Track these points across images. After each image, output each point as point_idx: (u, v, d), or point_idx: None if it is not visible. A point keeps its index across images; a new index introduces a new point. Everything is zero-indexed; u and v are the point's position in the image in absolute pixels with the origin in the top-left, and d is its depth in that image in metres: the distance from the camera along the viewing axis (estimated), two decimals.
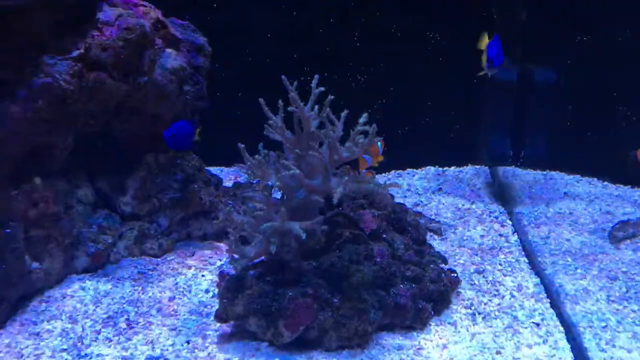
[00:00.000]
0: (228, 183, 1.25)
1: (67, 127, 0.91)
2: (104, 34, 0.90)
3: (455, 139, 1.43)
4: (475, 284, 1.05)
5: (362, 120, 0.92)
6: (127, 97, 0.94)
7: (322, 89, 0.91)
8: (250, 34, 1.64)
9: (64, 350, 0.87)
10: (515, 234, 1.22)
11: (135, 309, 0.91)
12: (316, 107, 0.86)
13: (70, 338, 0.85)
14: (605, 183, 1.42)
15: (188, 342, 0.90)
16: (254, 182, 1.10)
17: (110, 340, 0.89)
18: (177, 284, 0.98)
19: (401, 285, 0.93)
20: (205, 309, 0.92)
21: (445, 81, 1.59)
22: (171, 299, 0.98)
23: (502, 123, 1.41)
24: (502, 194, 1.33)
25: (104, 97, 0.91)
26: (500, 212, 1.26)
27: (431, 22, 1.67)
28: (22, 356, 0.81)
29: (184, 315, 0.95)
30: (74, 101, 0.90)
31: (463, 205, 1.28)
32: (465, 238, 1.15)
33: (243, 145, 0.85)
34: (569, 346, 0.88)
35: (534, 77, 1.47)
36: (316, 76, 0.90)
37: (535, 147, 1.43)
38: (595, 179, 1.42)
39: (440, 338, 0.89)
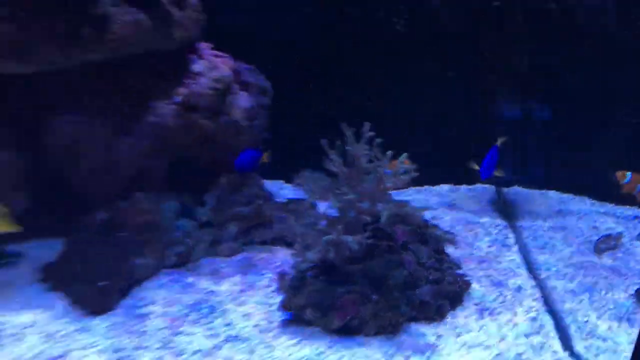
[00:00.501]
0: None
1: (166, 155, 1.11)
2: (197, 82, 1.10)
3: (467, 156, 1.62)
4: (483, 285, 1.24)
5: (402, 158, 1.13)
6: (212, 132, 1.16)
7: (372, 133, 1.09)
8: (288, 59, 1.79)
9: (163, 328, 1.08)
10: (517, 244, 1.43)
11: (214, 298, 1.12)
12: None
13: (166, 319, 1.08)
14: (593, 201, 1.58)
15: (256, 326, 1.10)
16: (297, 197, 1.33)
17: (197, 322, 1.09)
18: (244, 279, 1.20)
19: (425, 286, 1.12)
20: (269, 300, 1.12)
21: (460, 111, 1.67)
22: (241, 291, 1.19)
23: (508, 149, 1.59)
24: (506, 210, 1.49)
25: (196, 133, 1.14)
26: (504, 226, 1.43)
27: (452, 50, 1.85)
28: (131, 332, 0.99)
29: (252, 304, 1.15)
30: (174, 136, 1.11)
31: (473, 219, 1.47)
32: (475, 247, 1.35)
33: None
34: (557, 336, 1.09)
35: (534, 113, 1.66)
36: (367, 123, 1.01)
37: (534, 170, 1.61)
38: (585, 198, 1.58)
39: (455, 328, 1.09)
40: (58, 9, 0.93)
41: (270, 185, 1.45)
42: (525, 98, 1.69)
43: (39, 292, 1.09)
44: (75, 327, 1.00)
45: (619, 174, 1.43)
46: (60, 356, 0.94)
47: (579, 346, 1.07)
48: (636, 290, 1.19)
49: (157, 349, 0.95)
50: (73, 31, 0.90)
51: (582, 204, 1.54)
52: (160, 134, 1.07)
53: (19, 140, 1.05)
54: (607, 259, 1.27)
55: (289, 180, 1.65)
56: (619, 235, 1.35)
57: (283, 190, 1.63)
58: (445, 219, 1.42)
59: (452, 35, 1.68)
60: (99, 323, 1.01)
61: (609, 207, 1.54)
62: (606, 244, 1.28)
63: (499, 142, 1.37)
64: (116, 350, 0.94)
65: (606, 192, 1.57)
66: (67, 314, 1.05)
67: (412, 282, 1.07)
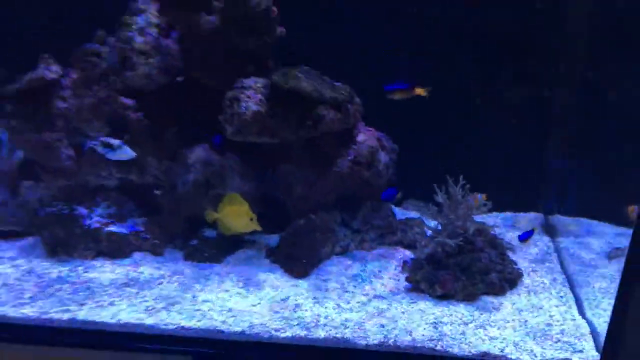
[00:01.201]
0: None
1: (340, 190, 1.74)
2: (360, 147, 1.69)
3: (526, 192, 2.16)
4: (530, 277, 1.79)
5: (482, 202, 1.72)
6: (364, 175, 1.78)
7: (464, 182, 1.67)
8: None
9: (336, 288, 1.68)
10: (556, 253, 1.97)
11: (363, 274, 1.70)
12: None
13: (338, 283, 1.65)
14: (612, 225, 2.04)
15: (390, 291, 1.70)
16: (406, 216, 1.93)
17: (356, 286, 1.65)
18: (380, 264, 1.77)
19: (493, 274, 1.69)
20: (397, 277, 1.68)
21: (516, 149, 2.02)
22: (379, 270, 1.78)
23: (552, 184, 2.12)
24: (549, 230, 2.00)
25: (359, 178, 1.67)
26: (548, 240, 1.94)
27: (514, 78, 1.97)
28: (319, 289, 1.56)
29: (386, 279, 1.72)
30: (346, 180, 1.70)
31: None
32: (526, 254, 1.89)
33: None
34: (576, 307, 1.57)
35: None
36: (462, 181, 1.64)
37: (570, 201, 2.14)
38: (606, 223, 2.04)
39: (511, 299, 1.63)
40: (290, 109, 1.59)
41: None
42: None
43: (267, 263, 1.69)
44: (290, 284, 1.60)
45: (629, 208, 1.94)
46: (285, 299, 1.51)
47: (588, 314, 1.63)
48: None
49: (335, 298, 1.53)
50: (300, 122, 1.54)
51: (604, 227, 2.07)
52: (339, 179, 1.61)
53: (258, 177, 1.72)
54: (614, 263, 1.82)
55: (397, 205, 2.25)
56: (626, 247, 1.88)
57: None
58: (508, 235, 1.99)
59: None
60: (302, 283, 1.60)
61: (624, 229, 2.07)
62: (615, 253, 1.81)
63: None
64: (313, 298, 1.52)
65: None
66: (283, 276, 1.63)
67: (485, 270, 1.62)
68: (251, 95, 1.46)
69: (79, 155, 1.62)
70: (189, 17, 1.45)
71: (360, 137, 1.62)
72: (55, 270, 1.63)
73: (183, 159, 1.58)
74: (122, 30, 1.52)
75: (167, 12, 1.48)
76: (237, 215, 1.51)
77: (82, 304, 1.50)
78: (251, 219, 1.50)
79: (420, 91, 1.62)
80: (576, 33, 1.78)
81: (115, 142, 1.46)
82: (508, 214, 1.94)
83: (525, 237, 1.73)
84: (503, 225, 1.99)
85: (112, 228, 1.65)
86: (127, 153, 1.48)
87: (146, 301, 1.51)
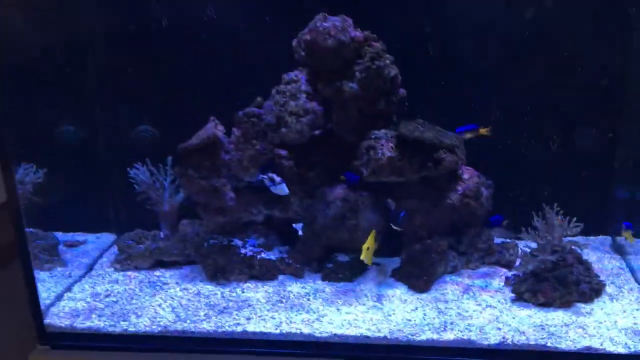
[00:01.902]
0: None
1: (452, 219, 2.08)
2: (467, 183, 1.99)
3: (595, 217, 2.21)
4: (610, 287, 2.06)
5: (574, 224, 2.04)
6: (471, 206, 2.10)
7: (559, 209, 2.06)
8: None
9: (454, 299, 1.92)
10: (628, 268, 2.23)
11: (472, 287, 1.90)
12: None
13: (454, 296, 1.91)
14: None
15: (498, 301, 1.90)
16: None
17: (469, 298, 1.82)
18: (485, 280, 1.99)
19: (583, 285, 1.97)
20: (501, 290, 1.93)
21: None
22: (486, 285, 1.95)
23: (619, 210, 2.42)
24: (619, 250, 2.23)
25: (467, 209, 1.92)
26: (620, 259, 2.15)
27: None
28: (439, 300, 1.84)
29: (492, 292, 1.95)
30: (458, 210, 1.99)
31: (601, 254, 2.22)
32: (603, 269, 2.08)
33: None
34: None
35: None
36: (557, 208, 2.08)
37: (636, 224, 2.42)
38: None
39: (600, 307, 1.84)
40: (414, 154, 1.92)
41: None
42: None
43: (392, 281, 1.99)
44: (415, 297, 1.86)
45: None
46: (414, 309, 1.80)
47: None
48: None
49: (454, 308, 1.80)
50: (423, 164, 1.88)
51: None
52: (452, 209, 1.89)
53: (384, 209, 2.05)
54: None
55: None
56: None
57: None
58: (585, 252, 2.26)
59: None
60: (425, 296, 1.87)
61: None
62: None
63: None
64: (437, 308, 1.80)
65: None
66: (408, 291, 1.89)
67: (577, 282, 1.91)
68: (384, 144, 1.80)
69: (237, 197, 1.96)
70: (335, 86, 1.80)
71: (466, 175, 1.94)
72: (218, 291, 1.96)
73: (323, 196, 1.92)
74: (277, 96, 1.89)
75: (317, 83, 1.84)
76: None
77: (248, 318, 1.82)
78: (367, 248, 1.77)
79: (484, 131, 1.94)
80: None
81: (277, 179, 1.79)
82: (580, 237, 2.22)
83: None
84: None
85: (263, 255, 1.98)
86: (283, 190, 1.81)
87: (300, 314, 1.83)
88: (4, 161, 1.62)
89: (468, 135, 1.93)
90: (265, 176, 1.81)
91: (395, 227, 1.82)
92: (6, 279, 1.99)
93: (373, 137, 1.84)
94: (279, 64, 2.01)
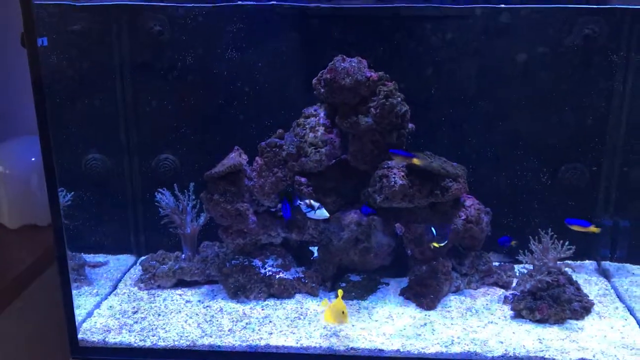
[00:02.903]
0: None
1: (455, 241, 2.24)
2: (468, 209, 2.15)
3: (581, 244, 2.45)
4: (598, 306, 2.22)
5: (567, 247, 2.22)
6: (473, 231, 2.27)
7: (553, 233, 2.23)
8: None
9: (459, 316, 2.03)
10: (613, 289, 2.40)
11: (473, 305, 2.03)
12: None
13: (458, 313, 2.05)
14: None
15: (499, 317, 2.08)
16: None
17: (472, 316, 2.04)
18: (486, 299, 2.11)
19: (575, 303, 2.12)
20: (501, 307, 2.07)
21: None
22: (487, 304, 2.05)
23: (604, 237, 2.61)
24: (605, 274, 2.36)
25: (469, 233, 2.09)
26: (605, 281, 2.29)
27: None
28: (445, 317, 1.97)
29: (494, 310, 2.13)
30: (460, 234, 2.12)
31: (587, 277, 2.38)
32: (591, 291, 2.31)
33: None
34: (638, 326, 2.01)
35: None
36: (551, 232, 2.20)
37: (619, 250, 2.61)
38: None
39: (590, 323, 1.99)
40: (423, 182, 2.09)
41: None
42: None
43: (401, 300, 2.13)
44: (423, 314, 2.00)
45: None
46: (424, 325, 1.94)
47: None
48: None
49: (460, 324, 1.94)
50: (431, 191, 2.04)
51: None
52: (455, 233, 2.02)
53: (394, 233, 2.20)
54: None
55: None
56: None
57: None
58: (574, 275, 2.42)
59: None
60: (432, 313, 2.00)
61: None
62: None
63: None
64: (444, 324, 1.94)
65: None
66: (417, 309, 2.02)
67: (569, 300, 2.06)
68: (396, 173, 1.96)
69: (257, 220, 2.10)
70: (352, 120, 1.97)
71: (468, 203, 2.11)
72: (240, 308, 2.07)
73: (338, 220, 2.07)
74: (298, 128, 2.05)
75: (335, 117, 2.01)
76: (334, 311, 1.86)
77: (270, 333, 1.94)
78: (342, 312, 1.85)
79: (416, 161, 1.98)
80: None
81: (316, 204, 1.92)
82: (570, 262, 2.39)
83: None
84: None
85: (281, 275, 2.10)
86: (324, 214, 1.93)
87: (318, 329, 1.95)
88: (52, 187, 1.74)
89: (399, 160, 2.01)
90: (303, 202, 1.94)
91: (439, 244, 1.96)
92: (43, 296, 2.09)
93: (386, 166, 2.00)
94: (295, 100, 2.17)
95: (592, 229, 2.00)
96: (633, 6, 2.16)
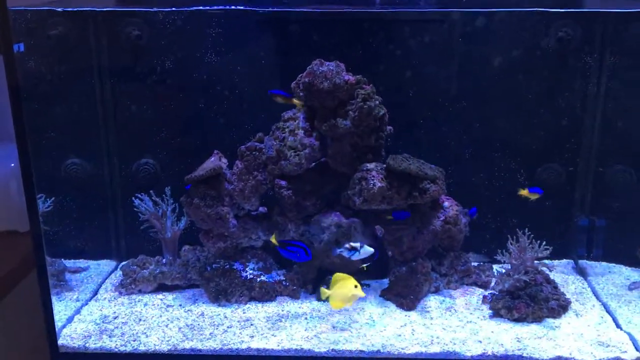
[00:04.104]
0: None
1: (434, 243, 2.20)
2: (447, 211, 2.16)
3: (559, 243, 2.38)
4: (576, 304, 2.24)
5: (543, 247, 2.25)
6: (451, 232, 2.29)
7: (530, 233, 2.23)
8: None
9: (439, 316, 2.06)
10: (590, 287, 2.42)
11: (453, 305, 2.05)
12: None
13: (438, 312, 2.06)
14: (625, 266, 2.41)
15: (478, 317, 2.13)
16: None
17: (450, 315, 2.06)
18: (465, 299, 2.12)
19: (552, 302, 2.15)
20: (480, 306, 2.08)
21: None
22: (466, 303, 2.07)
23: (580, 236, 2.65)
24: (582, 272, 2.40)
25: (447, 234, 2.09)
26: (582, 280, 2.32)
27: None
28: (425, 317, 1.99)
29: (473, 309, 2.12)
30: (439, 235, 2.17)
31: (565, 276, 2.40)
32: (568, 289, 2.30)
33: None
34: (614, 324, 2.02)
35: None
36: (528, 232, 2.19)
37: (596, 249, 2.65)
38: (621, 265, 2.41)
39: (567, 321, 2.00)
40: (401, 184, 2.10)
41: None
42: None
43: (382, 300, 2.11)
44: (403, 315, 2.01)
45: None
46: (403, 325, 1.95)
47: (624, 327, 1.97)
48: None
49: (439, 324, 1.96)
50: (409, 193, 2.05)
51: (620, 268, 2.52)
52: (434, 234, 2.05)
53: (374, 234, 2.21)
54: (635, 292, 2.31)
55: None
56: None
57: None
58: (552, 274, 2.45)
59: None
60: (412, 313, 2.01)
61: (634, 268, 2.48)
62: (634, 285, 2.31)
63: None
64: (423, 324, 1.95)
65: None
66: (397, 309, 2.04)
67: (546, 299, 2.08)
68: (375, 175, 1.97)
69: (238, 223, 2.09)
70: (331, 123, 1.98)
71: (446, 204, 2.13)
72: (221, 312, 2.07)
73: (318, 222, 2.07)
74: (277, 131, 2.05)
75: (314, 120, 2.02)
76: (344, 287, 1.84)
77: (252, 337, 1.94)
78: (355, 286, 1.83)
79: (296, 102, 2.02)
80: None
81: (356, 244, 1.93)
82: (547, 261, 2.42)
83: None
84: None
85: (263, 278, 2.11)
86: (368, 251, 1.94)
87: (299, 332, 1.96)
88: (30, 193, 1.72)
89: (279, 100, 2.04)
90: (342, 249, 1.95)
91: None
92: (22, 302, 2.07)
93: (365, 169, 2.01)
94: (275, 103, 2.18)
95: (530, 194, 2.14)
96: (604, 9, 2.20)
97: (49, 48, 2.22)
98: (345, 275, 1.85)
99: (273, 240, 1.98)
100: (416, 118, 2.31)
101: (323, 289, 1.87)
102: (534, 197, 2.16)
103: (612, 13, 2.20)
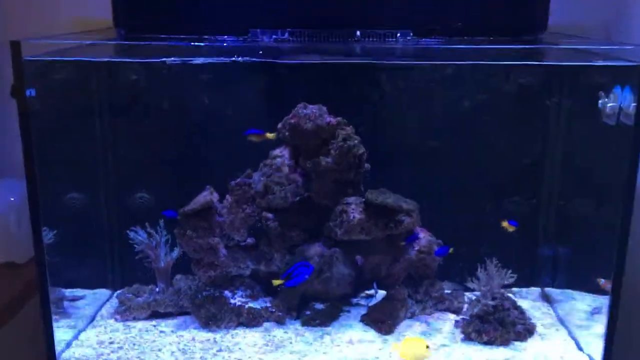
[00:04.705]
0: None
1: (408, 270, 2.37)
2: (421, 241, 2.33)
3: (525, 271, 2.58)
4: (541, 328, 2.39)
5: (509, 275, 2.40)
6: (426, 260, 2.42)
7: (497, 261, 2.42)
8: None
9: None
10: (555, 313, 2.57)
11: (430, 331, 2.20)
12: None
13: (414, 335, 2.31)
14: (587, 293, 2.49)
15: (452, 340, 2.26)
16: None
17: (427, 339, 2.30)
18: (439, 324, 2.26)
19: (519, 326, 2.26)
20: (452, 330, 2.25)
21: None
22: (440, 327, 2.24)
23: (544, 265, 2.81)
24: (547, 298, 2.57)
25: (422, 262, 2.24)
26: (548, 306, 2.45)
27: None
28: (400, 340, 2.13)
29: (446, 333, 2.28)
30: (414, 264, 2.29)
31: (532, 302, 2.51)
32: (534, 314, 2.47)
33: None
34: (576, 347, 2.22)
35: None
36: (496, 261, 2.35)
37: (559, 277, 2.81)
38: (583, 292, 2.49)
39: (532, 345, 2.12)
40: (379, 216, 2.25)
41: None
42: None
43: (361, 325, 2.21)
44: (381, 339, 2.12)
45: (599, 280, 2.62)
46: (382, 348, 2.06)
47: (585, 350, 2.12)
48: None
49: None
50: (386, 225, 2.19)
51: (582, 295, 2.64)
52: (410, 263, 2.17)
53: (353, 263, 2.34)
54: (596, 317, 2.45)
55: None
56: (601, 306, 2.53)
57: None
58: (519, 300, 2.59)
59: None
60: (389, 337, 2.13)
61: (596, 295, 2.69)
62: (595, 311, 2.45)
63: None
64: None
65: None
66: (376, 334, 2.15)
67: (513, 323, 2.21)
68: (354, 208, 2.12)
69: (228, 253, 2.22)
70: (314, 160, 2.14)
71: (421, 235, 2.28)
72: (211, 337, 2.17)
73: (302, 252, 2.21)
74: (265, 168, 2.20)
75: (299, 158, 2.17)
76: (414, 348, 1.96)
77: None
78: (427, 347, 1.95)
79: (270, 135, 2.20)
80: None
81: (371, 291, 2.18)
82: (514, 288, 2.56)
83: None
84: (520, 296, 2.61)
85: (250, 304, 2.22)
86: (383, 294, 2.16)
87: (284, 354, 2.06)
88: (36, 224, 1.84)
89: (254, 139, 2.20)
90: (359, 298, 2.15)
91: None
92: (21, 330, 2.16)
93: (345, 202, 2.16)
94: (262, 142, 2.33)
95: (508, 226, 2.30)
96: (561, 62, 2.42)
97: (53, 90, 2.36)
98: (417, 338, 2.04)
99: (276, 283, 2.09)
100: (392, 156, 2.46)
101: (394, 343, 2.06)
102: (511, 228, 2.32)
103: (567, 65, 2.40)
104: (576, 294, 2.60)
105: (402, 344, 1.99)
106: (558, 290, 2.60)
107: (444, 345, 2.13)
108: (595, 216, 2.50)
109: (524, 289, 2.62)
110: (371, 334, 2.19)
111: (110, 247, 2.53)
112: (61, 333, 2.17)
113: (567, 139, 2.47)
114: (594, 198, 2.49)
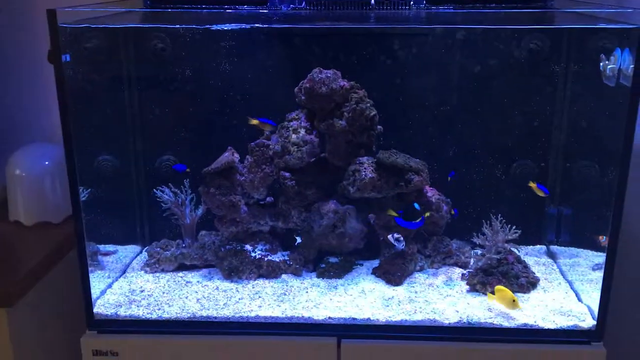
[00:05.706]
0: None
1: (417, 231, 2.49)
2: (430, 199, 2.45)
3: (531, 230, 2.75)
4: (544, 282, 2.48)
5: (513, 230, 2.49)
6: (434, 218, 2.49)
7: (502, 218, 2.53)
8: None
9: (424, 290, 2.30)
10: (558, 268, 2.63)
11: (435, 282, 2.27)
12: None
13: (423, 289, 2.24)
14: (589, 250, 2.56)
15: (457, 291, 2.38)
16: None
17: (434, 290, 2.26)
18: (446, 277, 2.34)
19: (522, 279, 2.35)
20: (459, 283, 2.30)
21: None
22: (446, 280, 2.37)
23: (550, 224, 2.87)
24: (551, 255, 2.65)
25: (431, 220, 2.29)
26: (552, 262, 2.51)
27: None
28: (410, 291, 2.19)
29: (452, 285, 2.37)
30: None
31: (537, 259, 2.60)
32: (539, 269, 2.54)
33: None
34: (576, 298, 2.27)
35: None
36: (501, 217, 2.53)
37: (563, 235, 2.87)
38: (586, 249, 2.56)
39: (534, 296, 2.21)
40: (390, 175, 2.33)
41: None
42: None
43: (373, 278, 2.31)
44: (391, 289, 2.22)
45: (600, 237, 2.67)
46: (391, 298, 2.17)
47: (584, 301, 2.20)
48: None
49: (422, 297, 2.17)
50: (396, 183, 2.27)
51: (585, 252, 2.68)
52: None
53: (366, 219, 2.44)
54: (596, 272, 2.52)
55: None
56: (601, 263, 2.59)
57: None
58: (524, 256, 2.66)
59: None
60: (399, 289, 2.22)
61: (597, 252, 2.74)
62: (596, 267, 2.51)
63: None
64: (409, 297, 2.16)
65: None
66: (386, 285, 2.25)
67: (517, 276, 2.31)
68: (367, 168, 2.21)
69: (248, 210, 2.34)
70: (328, 122, 2.22)
71: (429, 193, 2.36)
72: (233, 287, 2.30)
73: (318, 210, 2.31)
74: (282, 130, 2.29)
75: (314, 120, 2.26)
76: (504, 299, 2.09)
77: (260, 306, 2.17)
78: (513, 301, 2.07)
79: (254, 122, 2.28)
80: None
81: (399, 235, 2.22)
82: (520, 246, 2.62)
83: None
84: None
85: (269, 258, 2.34)
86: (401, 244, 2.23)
87: (300, 302, 2.18)
88: (73, 182, 1.97)
89: (257, 125, 2.30)
90: (391, 236, 2.22)
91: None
92: (59, 281, 2.31)
93: (358, 162, 2.24)
94: (280, 106, 2.42)
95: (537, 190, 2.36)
96: (568, 25, 2.44)
97: (84, 58, 2.47)
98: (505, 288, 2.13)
99: (391, 213, 2.22)
100: (404, 119, 2.54)
101: (489, 294, 2.17)
102: (540, 193, 2.37)
103: (575, 28, 2.43)
104: (581, 251, 2.67)
105: (496, 293, 2.11)
106: (563, 248, 2.68)
107: (449, 296, 2.23)
108: (599, 178, 2.55)
109: (530, 247, 2.71)
110: (381, 285, 2.29)
111: (139, 206, 2.66)
112: (96, 283, 2.32)
113: (574, 103, 2.51)
114: (599, 160, 2.54)
